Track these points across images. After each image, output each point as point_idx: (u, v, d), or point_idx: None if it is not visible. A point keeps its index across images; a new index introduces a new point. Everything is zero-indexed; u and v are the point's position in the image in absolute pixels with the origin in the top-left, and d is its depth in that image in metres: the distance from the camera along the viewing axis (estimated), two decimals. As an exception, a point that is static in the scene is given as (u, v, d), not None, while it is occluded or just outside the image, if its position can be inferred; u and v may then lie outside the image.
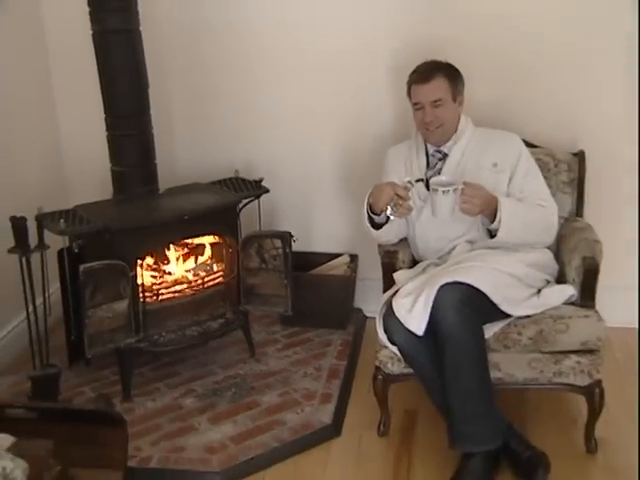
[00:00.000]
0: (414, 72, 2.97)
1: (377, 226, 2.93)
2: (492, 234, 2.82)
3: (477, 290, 2.59)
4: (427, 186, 2.94)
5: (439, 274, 2.69)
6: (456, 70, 2.97)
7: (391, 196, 2.75)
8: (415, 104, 2.95)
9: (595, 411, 2.77)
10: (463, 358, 2.57)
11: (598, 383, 2.73)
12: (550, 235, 2.95)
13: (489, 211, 2.76)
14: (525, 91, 3.48)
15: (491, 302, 2.61)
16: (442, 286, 2.57)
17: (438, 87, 2.90)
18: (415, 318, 2.58)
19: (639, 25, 3.27)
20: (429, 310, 2.57)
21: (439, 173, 2.97)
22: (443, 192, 2.71)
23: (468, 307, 2.56)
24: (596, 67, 3.42)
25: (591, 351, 2.71)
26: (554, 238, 2.99)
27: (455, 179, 2.77)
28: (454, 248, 2.94)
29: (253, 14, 3.56)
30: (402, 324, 2.62)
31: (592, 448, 2.81)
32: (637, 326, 3.52)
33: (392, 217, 2.82)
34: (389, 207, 2.77)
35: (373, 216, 2.92)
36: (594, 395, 2.74)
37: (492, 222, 2.78)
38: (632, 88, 3.35)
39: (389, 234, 2.96)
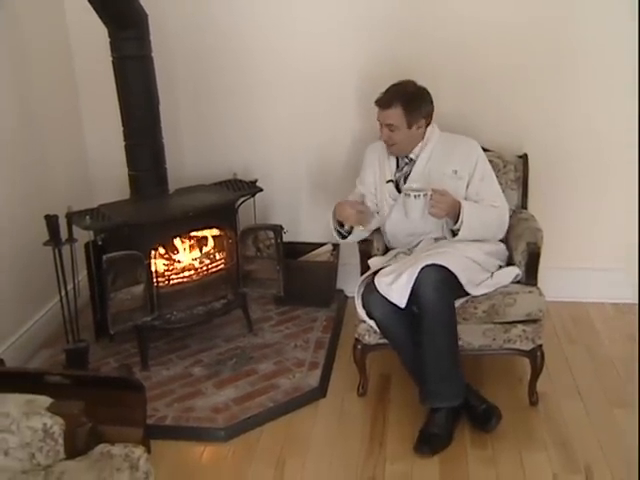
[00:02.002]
0: (382, 94, 2.91)
1: (344, 236, 2.97)
2: (454, 233, 2.82)
3: (450, 272, 2.61)
4: (397, 187, 2.97)
5: (421, 258, 2.70)
6: (416, 100, 2.87)
7: (355, 215, 2.78)
8: (377, 120, 2.93)
9: (537, 370, 2.81)
10: (438, 327, 2.61)
11: (539, 347, 2.78)
12: (502, 231, 2.96)
13: (453, 213, 2.76)
14: (480, 104, 3.50)
15: (458, 282, 2.64)
16: (423, 267, 2.60)
17: (393, 114, 2.84)
18: (397, 292, 2.60)
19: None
20: (411, 285, 2.58)
21: (407, 176, 2.96)
22: (415, 197, 2.72)
23: (445, 286, 2.60)
24: (537, 85, 3.45)
25: (534, 321, 2.75)
26: (505, 233, 2.99)
27: (425, 186, 2.76)
28: (420, 242, 2.95)
29: (250, 46, 3.57)
30: (382, 300, 2.63)
31: (534, 401, 2.87)
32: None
33: (361, 230, 2.85)
34: (359, 227, 2.81)
35: (340, 229, 2.95)
36: (536, 357, 2.79)
37: (455, 223, 2.79)
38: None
39: (356, 239, 2.98)
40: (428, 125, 2.96)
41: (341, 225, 2.94)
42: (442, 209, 2.72)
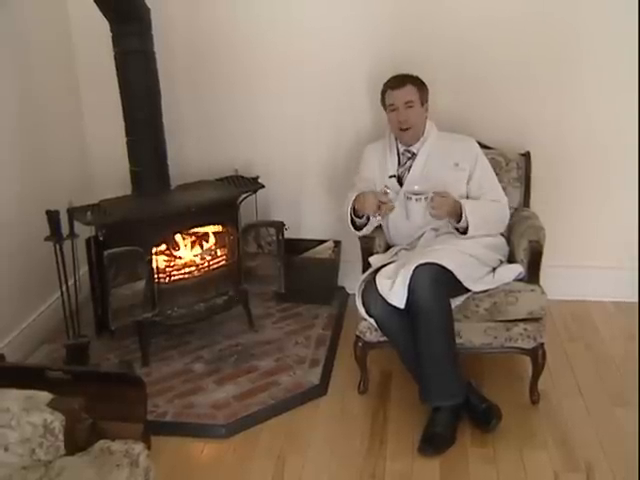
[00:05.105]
0: (388, 81, 3.01)
1: (358, 228, 2.98)
2: (460, 232, 2.84)
3: (445, 269, 2.61)
4: (399, 181, 3.00)
5: (414, 257, 2.71)
6: (422, 81, 2.99)
7: (376, 204, 2.80)
8: (390, 105, 2.97)
9: (538, 369, 2.81)
10: (434, 326, 2.60)
11: (541, 345, 2.78)
12: (504, 224, 2.99)
13: (454, 213, 2.79)
14: (482, 102, 3.50)
15: (456, 279, 2.64)
16: (417, 267, 2.60)
17: (410, 91, 2.94)
18: (397, 295, 2.60)
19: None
20: (406, 286, 2.59)
21: (409, 171, 2.99)
22: (416, 200, 2.76)
23: (439, 284, 2.60)
24: (540, 83, 3.45)
25: (535, 319, 2.74)
26: (506, 226, 3.01)
27: (426, 188, 2.80)
28: (422, 235, 2.95)
29: (252, 42, 3.57)
30: (381, 299, 2.64)
31: (535, 399, 2.86)
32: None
33: (378, 219, 2.88)
34: (377, 214, 2.84)
35: (355, 219, 2.95)
36: (538, 356, 2.79)
37: (457, 222, 2.81)
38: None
39: (368, 232, 2.99)
40: (426, 118, 3.02)
41: (357, 216, 2.95)
42: (443, 211, 2.78)
